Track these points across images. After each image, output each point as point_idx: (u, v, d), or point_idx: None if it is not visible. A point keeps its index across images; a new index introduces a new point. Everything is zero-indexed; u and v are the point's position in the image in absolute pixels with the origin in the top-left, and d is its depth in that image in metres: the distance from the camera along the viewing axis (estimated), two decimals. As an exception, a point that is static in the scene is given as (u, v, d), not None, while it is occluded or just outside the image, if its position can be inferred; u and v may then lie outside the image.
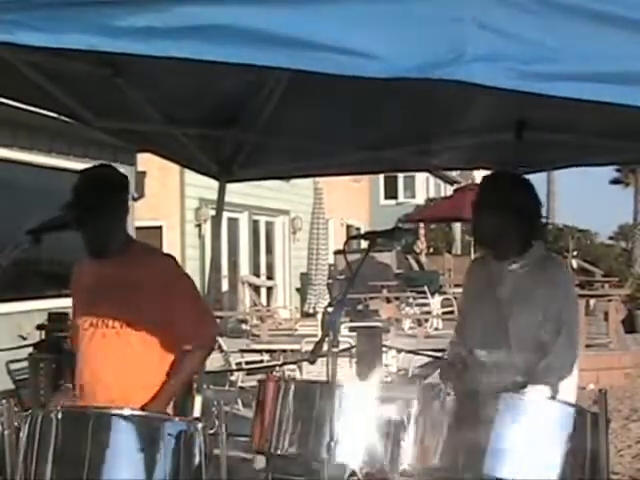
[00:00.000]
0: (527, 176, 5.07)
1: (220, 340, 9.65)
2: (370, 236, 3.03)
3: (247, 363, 9.88)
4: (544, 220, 3.44)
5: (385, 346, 8.46)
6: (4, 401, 2.81)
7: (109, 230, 3.40)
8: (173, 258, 3.57)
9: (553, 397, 3.07)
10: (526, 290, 3.29)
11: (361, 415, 2.94)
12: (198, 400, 4.50)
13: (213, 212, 8.31)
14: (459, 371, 3.53)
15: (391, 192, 33.75)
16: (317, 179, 17.99)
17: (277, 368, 9.05)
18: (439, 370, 3.86)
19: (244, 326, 16.56)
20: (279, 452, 2.98)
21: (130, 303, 3.33)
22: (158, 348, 3.39)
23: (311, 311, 17.41)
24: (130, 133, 4.96)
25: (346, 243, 3.82)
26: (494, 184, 3.45)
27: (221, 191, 5.20)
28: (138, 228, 11.56)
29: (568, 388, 3.22)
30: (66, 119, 4.66)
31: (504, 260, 3.38)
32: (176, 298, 3.38)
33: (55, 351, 6.57)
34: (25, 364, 7.10)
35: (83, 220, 3.31)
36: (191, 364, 3.48)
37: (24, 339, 9.25)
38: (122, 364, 3.35)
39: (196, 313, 3.46)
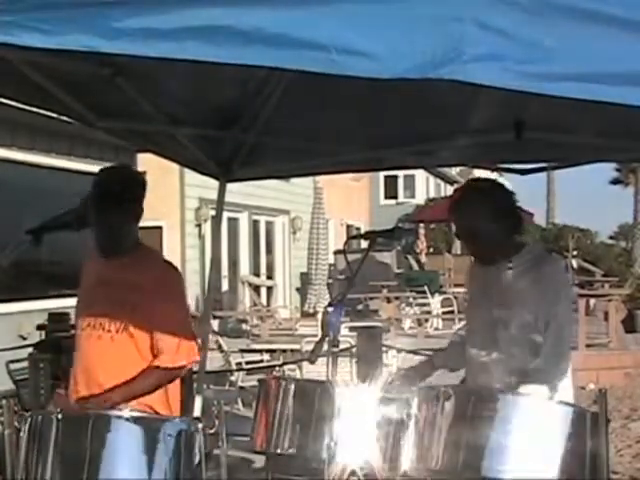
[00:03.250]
0: (527, 176, 5.12)
1: (220, 340, 9.66)
2: (370, 236, 3.04)
3: (247, 363, 9.89)
4: (519, 210, 3.44)
5: (385, 346, 8.45)
6: (4, 401, 2.81)
7: (121, 230, 3.41)
8: (175, 269, 3.56)
9: (550, 396, 3.07)
10: (520, 291, 3.29)
11: (361, 415, 2.94)
12: (198, 400, 4.51)
13: (213, 212, 8.31)
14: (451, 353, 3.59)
15: (391, 192, 33.75)
16: (317, 179, 18.00)
17: (277, 368, 9.05)
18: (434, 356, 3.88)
19: (244, 326, 16.57)
20: (279, 451, 2.98)
21: (128, 306, 3.33)
22: (154, 353, 3.38)
23: (311, 311, 17.40)
24: (131, 133, 4.96)
25: (346, 243, 3.82)
26: (465, 193, 3.45)
27: (221, 191, 5.21)
28: (138, 228, 11.54)
29: (564, 387, 3.22)
30: (66, 119, 4.66)
31: (498, 262, 3.39)
32: (164, 309, 3.35)
33: (55, 351, 6.57)
34: (25, 364, 7.10)
35: (96, 218, 3.32)
36: (150, 381, 3.35)
37: (24, 339, 9.26)
38: (116, 368, 3.34)
39: (175, 333, 3.38)
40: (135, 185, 3.46)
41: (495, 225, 3.31)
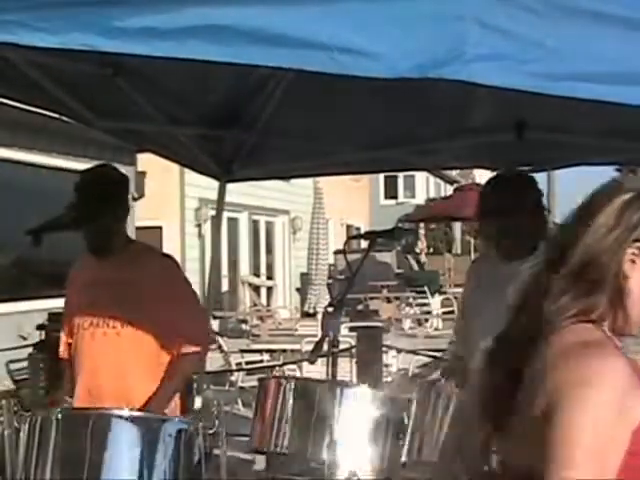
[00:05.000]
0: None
1: (220, 340, 9.66)
2: (370, 236, 3.03)
3: (247, 363, 9.89)
4: (547, 220, 3.44)
5: (385, 346, 8.45)
6: (4, 401, 2.80)
7: (110, 230, 3.42)
8: (172, 258, 3.58)
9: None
10: None
11: (361, 415, 2.94)
12: (198, 400, 4.51)
13: (213, 212, 8.30)
14: (459, 370, 3.54)
15: (391, 192, 33.76)
16: (317, 179, 17.98)
17: (277, 368, 9.06)
18: (440, 370, 3.86)
19: (244, 326, 16.56)
20: (278, 450, 2.98)
21: (130, 302, 3.34)
22: (159, 347, 3.39)
23: (311, 311, 17.40)
24: (130, 133, 4.96)
25: (346, 243, 3.82)
26: (505, 186, 3.42)
27: (221, 191, 5.21)
28: (138, 228, 11.54)
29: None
30: (66, 119, 4.66)
31: (514, 261, 3.36)
32: (173, 298, 3.38)
33: (55, 351, 6.56)
34: (25, 364, 7.10)
35: (84, 219, 3.32)
36: (187, 366, 3.46)
37: (24, 339, 9.25)
38: (123, 364, 3.36)
39: (191, 315, 3.44)
40: (115, 185, 3.44)
41: (526, 220, 3.30)
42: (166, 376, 3.37)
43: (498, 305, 3.37)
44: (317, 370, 5.39)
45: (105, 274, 3.41)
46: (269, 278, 20.94)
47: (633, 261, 1.75)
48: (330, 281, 18.65)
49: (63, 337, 3.62)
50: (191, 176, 13.92)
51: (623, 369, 1.62)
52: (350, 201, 25.45)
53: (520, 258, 3.35)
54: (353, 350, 7.53)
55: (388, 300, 17.12)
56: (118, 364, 3.36)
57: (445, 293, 18.70)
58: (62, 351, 3.64)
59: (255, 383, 3.25)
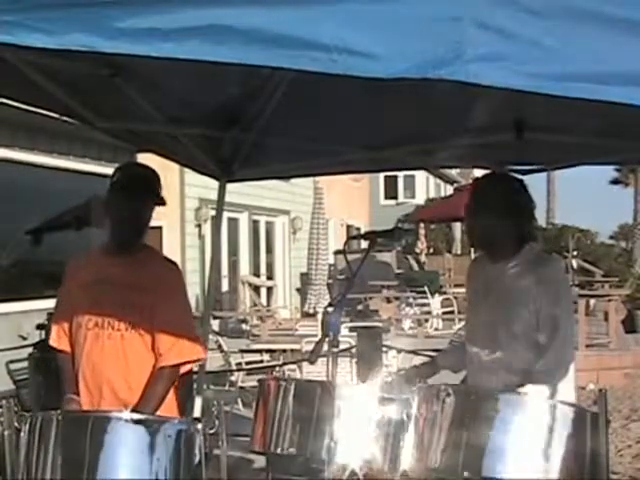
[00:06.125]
0: (527, 176, 5.12)
1: (220, 340, 9.66)
2: (370, 236, 3.04)
3: (247, 363, 9.89)
4: (536, 220, 3.44)
5: (385, 346, 8.45)
6: (4, 401, 2.81)
7: (141, 228, 3.47)
8: (177, 268, 3.60)
9: (552, 396, 3.07)
10: (521, 290, 3.29)
11: (361, 415, 2.94)
12: (198, 400, 4.51)
13: (213, 212, 8.29)
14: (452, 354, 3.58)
15: (391, 192, 33.76)
16: (317, 179, 17.98)
17: (277, 368, 9.06)
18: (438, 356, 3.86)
19: (244, 326, 16.56)
20: (279, 451, 2.98)
21: (134, 305, 3.35)
22: (155, 352, 3.40)
23: (311, 311, 17.39)
24: (130, 133, 4.96)
25: (346, 243, 3.81)
26: (491, 186, 3.44)
27: (221, 191, 5.21)
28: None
29: (567, 387, 3.22)
30: (66, 119, 4.66)
31: (500, 261, 3.38)
32: (163, 308, 3.39)
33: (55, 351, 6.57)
34: (25, 364, 7.10)
35: (131, 202, 3.36)
36: (162, 387, 3.38)
37: (24, 339, 9.25)
38: (127, 367, 3.36)
39: (178, 332, 3.40)
40: (159, 186, 3.60)
41: (511, 222, 3.31)
42: (142, 397, 3.33)
43: (488, 305, 3.41)
44: (317, 370, 5.39)
45: (112, 274, 3.42)
46: (269, 278, 20.94)
47: None
48: (330, 281, 18.65)
49: (55, 327, 3.59)
50: (191, 176, 13.92)
51: None
52: (350, 201, 25.46)
53: (505, 259, 3.36)
54: (353, 350, 7.53)
55: (388, 300, 17.12)
56: (123, 367, 3.36)
57: (445, 293, 18.70)
58: (54, 340, 3.60)
59: (255, 383, 3.24)
